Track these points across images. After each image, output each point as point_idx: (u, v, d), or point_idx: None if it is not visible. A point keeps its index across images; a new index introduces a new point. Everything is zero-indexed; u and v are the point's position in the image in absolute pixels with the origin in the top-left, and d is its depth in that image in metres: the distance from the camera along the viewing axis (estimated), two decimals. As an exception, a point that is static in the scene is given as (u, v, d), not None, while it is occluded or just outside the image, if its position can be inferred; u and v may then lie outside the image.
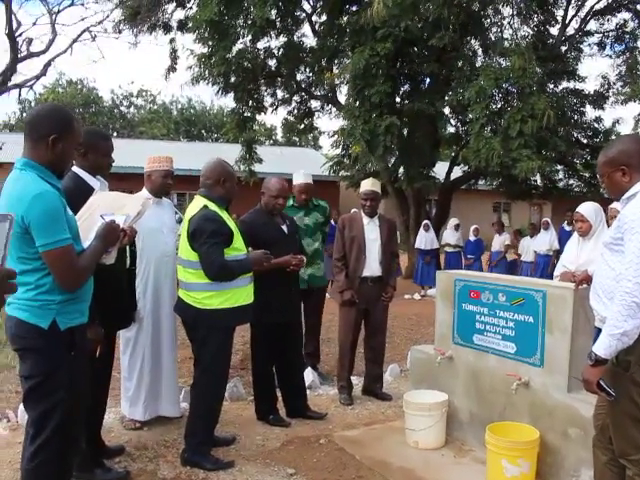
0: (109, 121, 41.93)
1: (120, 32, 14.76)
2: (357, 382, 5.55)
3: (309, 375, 5.49)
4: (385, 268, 5.16)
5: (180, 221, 4.37)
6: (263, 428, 4.53)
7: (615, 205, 4.08)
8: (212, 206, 3.79)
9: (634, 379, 2.49)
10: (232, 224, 3.84)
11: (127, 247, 3.59)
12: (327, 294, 6.09)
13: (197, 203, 3.86)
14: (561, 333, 3.50)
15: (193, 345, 3.94)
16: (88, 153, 3.40)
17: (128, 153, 20.33)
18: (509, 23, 12.24)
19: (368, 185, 5.22)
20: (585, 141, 15.17)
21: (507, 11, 12.40)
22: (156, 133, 39.87)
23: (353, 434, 4.43)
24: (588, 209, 4.52)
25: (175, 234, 4.40)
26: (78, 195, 3.01)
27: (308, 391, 5.08)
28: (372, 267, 5.12)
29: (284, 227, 4.57)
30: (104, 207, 2.80)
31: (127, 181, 11.80)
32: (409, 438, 4.18)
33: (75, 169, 3.40)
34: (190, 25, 13.74)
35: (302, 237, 5.43)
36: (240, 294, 3.80)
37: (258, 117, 16.74)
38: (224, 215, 3.81)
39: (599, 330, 3.81)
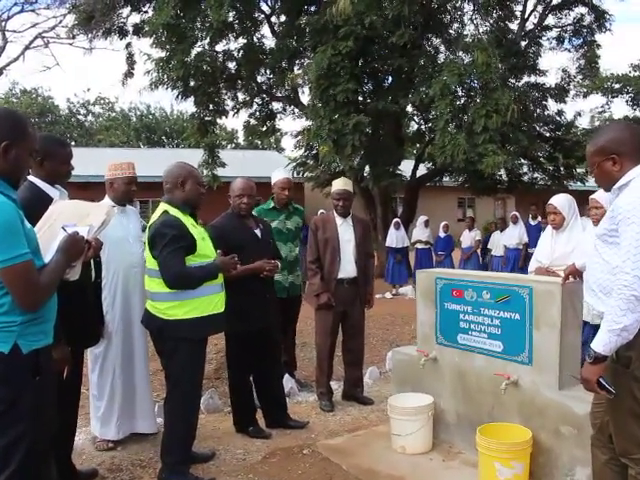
0: (66, 130, 41.00)
1: (74, 37, 14.37)
2: (337, 387, 5.40)
3: (287, 382, 5.31)
4: (360, 269, 5.03)
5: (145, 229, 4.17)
6: (243, 441, 4.34)
7: (595, 196, 3.99)
8: (173, 211, 3.60)
9: (635, 375, 2.39)
10: (196, 230, 3.63)
11: (91, 259, 3.38)
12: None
13: (158, 209, 3.68)
14: (549, 329, 3.40)
15: (161, 358, 3.74)
16: (45, 161, 3.19)
17: (88, 161, 19.89)
18: (471, 19, 12.29)
19: (340, 185, 5.08)
20: (548, 134, 15.31)
21: (467, 7, 12.47)
22: (114, 141, 39.18)
23: (337, 442, 4.27)
24: (561, 201, 4.44)
25: (141, 243, 4.19)
26: (36, 206, 2.80)
27: (287, 399, 4.91)
28: (347, 269, 4.98)
29: (257, 231, 4.39)
30: (65, 217, 2.58)
31: (88, 190, 11.47)
32: (395, 443, 4.04)
33: (31, 178, 3.17)
34: (147, 29, 13.46)
35: (284, 242, 5.25)
36: (208, 303, 3.59)
37: (219, 121, 16.51)
38: (188, 221, 3.61)
39: (585, 323, 3.76)
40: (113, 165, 4.23)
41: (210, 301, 3.61)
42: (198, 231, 3.66)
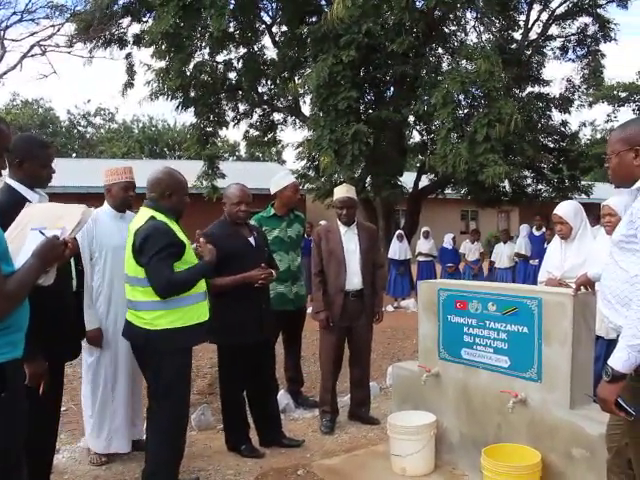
0: (67, 141, 41.04)
1: (72, 45, 14.25)
2: (341, 405, 5.13)
3: (282, 399, 5.08)
4: (367, 281, 4.72)
5: None
6: (235, 460, 4.13)
7: (610, 202, 3.76)
8: (160, 217, 3.40)
9: (658, 395, 2.18)
10: (184, 236, 3.46)
11: (73, 267, 3.19)
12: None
13: (143, 214, 3.45)
14: (560, 344, 3.19)
15: (146, 373, 3.51)
16: (24, 163, 3.00)
17: (88, 172, 19.81)
18: (474, 26, 12.17)
19: (342, 192, 4.79)
20: (552, 145, 15.14)
21: (470, 15, 12.37)
22: (116, 152, 39.17)
23: (333, 462, 4.04)
24: (567, 210, 4.19)
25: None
26: (13, 210, 2.61)
27: (282, 415, 4.69)
28: (353, 281, 4.68)
29: (251, 239, 4.19)
30: (36, 221, 2.39)
31: (88, 201, 11.29)
32: (395, 465, 3.81)
33: (9, 181, 2.99)
34: (146, 39, 13.37)
35: (286, 251, 5.00)
36: (193, 312, 3.40)
37: (221, 132, 16.39)
38: (174, 226, 3.43)
39: (598, 337, 3.54)
40: (109, 170, 4.10)
41: (195, 310, 3.43)
42: (184, 236, 3.48)
